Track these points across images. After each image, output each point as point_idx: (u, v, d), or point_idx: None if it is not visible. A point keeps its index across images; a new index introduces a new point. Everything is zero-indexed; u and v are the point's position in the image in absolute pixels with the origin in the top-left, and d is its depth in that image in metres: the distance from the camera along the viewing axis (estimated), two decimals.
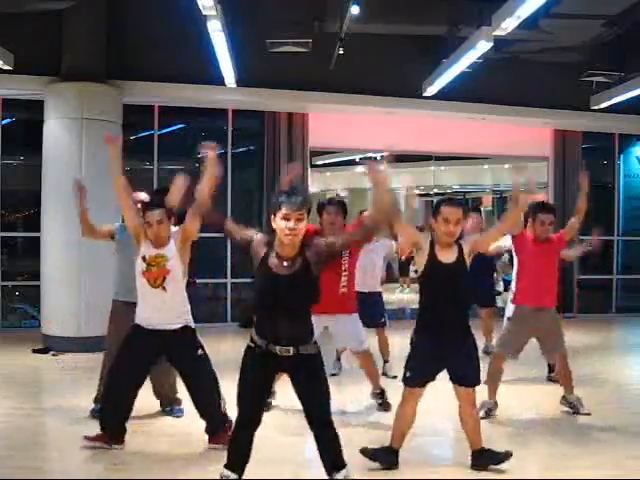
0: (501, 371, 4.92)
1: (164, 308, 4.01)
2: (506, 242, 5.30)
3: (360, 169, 15.87)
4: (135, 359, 4.02)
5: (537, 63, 9.26)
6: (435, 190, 15.20)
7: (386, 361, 6.26)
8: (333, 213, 4.82)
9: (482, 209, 7.01)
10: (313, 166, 11.41)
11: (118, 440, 4.07)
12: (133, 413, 4.54)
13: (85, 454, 4.04)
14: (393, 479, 3.76)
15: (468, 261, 3.75)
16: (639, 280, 11.09)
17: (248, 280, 9.62)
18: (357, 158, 14.96)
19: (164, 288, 4.00)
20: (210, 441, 4.14)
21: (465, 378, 3.73)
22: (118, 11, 8.20)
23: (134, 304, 4.20)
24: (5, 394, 5.58)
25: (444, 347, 3.67)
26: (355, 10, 6.99)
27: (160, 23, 8.26)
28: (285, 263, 3.09)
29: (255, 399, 3.22)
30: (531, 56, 9.04)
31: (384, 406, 5.03)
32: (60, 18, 7.79)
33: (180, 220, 4.41)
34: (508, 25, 5.82)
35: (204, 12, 5.73)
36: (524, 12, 5.56)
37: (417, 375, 3.74)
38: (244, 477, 3.17)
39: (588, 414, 4.87)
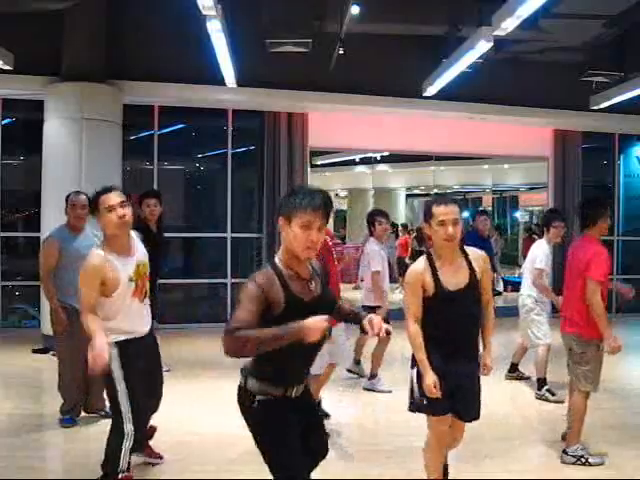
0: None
1: (145, 314, 3.69)
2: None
3: (360, 169, 15.92)
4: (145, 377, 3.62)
5: (537, 63, 9.26)
6: (435, 190, 15.22)
7: (374, 375, 5.93)
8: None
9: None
10: (313, 166, 11.42)
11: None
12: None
13: (85, 454, 4.04)
14: (393, 479, 3.77)
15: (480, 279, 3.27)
16: (639, 280, 11.08)
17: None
18: (357, 158, 15.01)
19: (146, 293, 3.66)
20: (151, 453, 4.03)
21: (468, 412, 3.35)
22: (118, 11, 8.20)
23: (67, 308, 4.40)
24: (5, 394, 5.58)
25: (450, 375, 3.21)
26: (355, 10, 7.00)
27: (160, 23, 8.26)
28: (310, 285, 2.49)
29: (301, 456, 2.59)
30: (531, 56, 9.04)
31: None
32: (60, 18, 7.79)
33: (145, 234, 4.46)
34: (508, 25, 5.82)
35: (204, 12, 5.73)
36: (524, 12, 5.55)
37: (432, 401, 3.21)
38: (244, 477, 3.17)
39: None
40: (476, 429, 3.63)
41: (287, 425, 2.54)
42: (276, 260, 2.49)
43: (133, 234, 3.63)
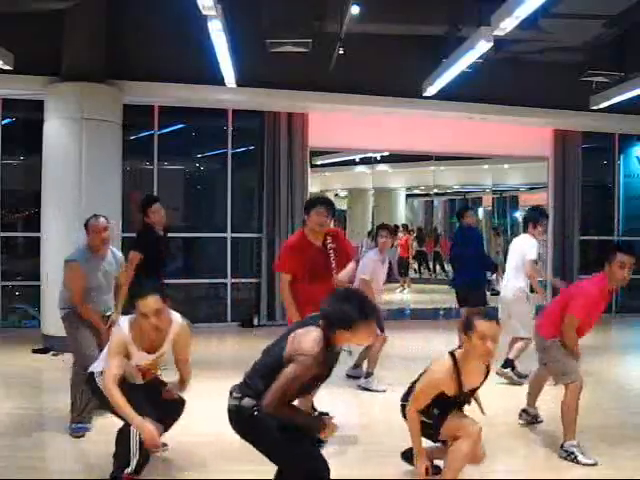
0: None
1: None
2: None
3: (360, 169, 15.91)
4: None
5: (537, 63, 9.26)
6: (435, 190, 15.22)
7: (370, 373, 5.94)
8: (323, 215, 4.50)
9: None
10: (313, 166, 11.41)
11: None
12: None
13: (85, 454, 4.04)
14: (393, 479, 3.77)
15: None
16: (639, 280, 11.08)
17: (248, 280, 9.67)
18: (357, 158, 15.00)
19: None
20: None
21: None
22: (118, 11, 8.20)
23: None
24: (5, 394, 5.59)
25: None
26: (355, 10, 7.00)
27: (160, 23, 8.26)
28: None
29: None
30: (531, 56, 9.04)
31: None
32: (60, 18, 7.79)
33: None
34: (507, 25, 5.82)
35: (204, 12, 5.73)
36: (523, 12, 5.55)
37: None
38: (240, 477, 3.17)
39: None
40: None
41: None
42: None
43: (172, 326, 3.66)
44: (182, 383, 3.88)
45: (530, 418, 4.75)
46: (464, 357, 3.31)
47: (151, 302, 3.43)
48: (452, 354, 3.36)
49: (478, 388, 3.51)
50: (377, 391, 5.78)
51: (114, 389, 3.35)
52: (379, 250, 6.22)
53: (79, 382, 4.34)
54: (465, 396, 3.43)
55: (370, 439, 4.50)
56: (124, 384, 3.48)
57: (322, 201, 4.61)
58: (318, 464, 2.87)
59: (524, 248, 6.08)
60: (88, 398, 4.32)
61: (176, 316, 3.72)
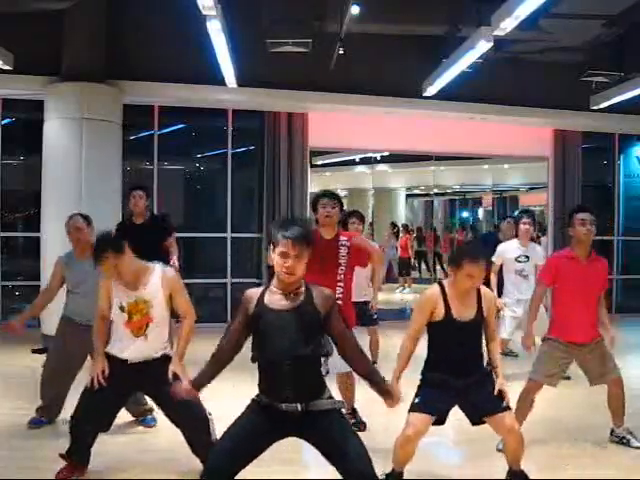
0: None
1: (144, 350, 3.71)
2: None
3: (360, 169, 15.92)
4: (113, 391, 3.66)
5: (537, 63, 9.26)
6: (435, 190, 15.22)
7: (374, 362, 6.16)
8: (329, 206, 4.45)
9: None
10: (313, 166, 11.41)
11: (82, 470, 3.79)
12: (130, 417, 4.60)
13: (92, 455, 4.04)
14: None
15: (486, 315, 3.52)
16: (639, 280, 11.09)
17: (248, 280, 9.66)
18: (357, 158, 15.00)
19: (146, 336, 3.68)
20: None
21: (487, 408, 3.46)
22: (118, 11, 8.20)
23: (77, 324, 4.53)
24: (5, 394, 5.58)
25: (456, 381, 3.43)
26: (355, 10, 6.99)
27: (160, 23, 8.27)
28: (286, 297, 2.73)
29: (236, 451, 2.76)
30: (531, 56, 9.04)
31: (359, 426, 4.62)
32: (60, 18, 7.80)
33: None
34: (507, 25, 5.82)
35: (204, 12, 5.73)
36: (523, 12, 5.56)
37: (427, 401, 3.46)
38: (242, 477, 3.17)
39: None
40: (476, 429, 3.62)
41: (247, 417, 2.81)
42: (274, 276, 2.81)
43: (155, 271, 3.72)
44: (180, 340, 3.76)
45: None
46: (450, 285, 3.50)
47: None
48: (440, 282, 3.56)
49: (472, 323, 3.47)
50: None
51: (98, 322, 3.74)
52: None
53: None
54: (457, 328, 3.44)
55: (369, 439, 4.49)
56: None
57: (324, 193, 4.59)
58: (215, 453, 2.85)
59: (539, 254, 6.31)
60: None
61: (158, 265, 3.79)
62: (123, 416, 4.31)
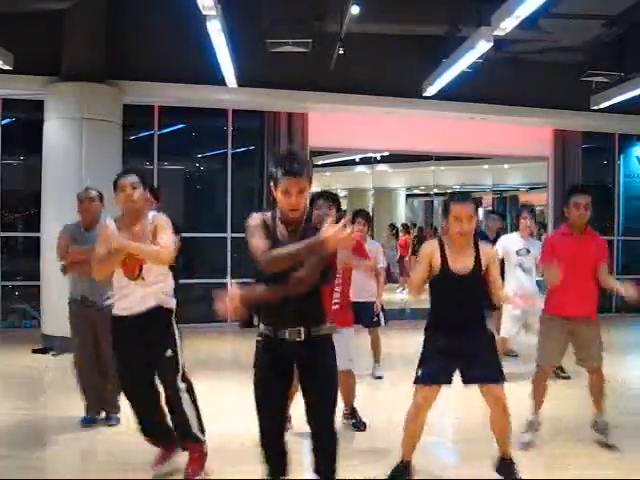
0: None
1: (146, 295, 3.64)
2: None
3: (360, 169, 15.93)
4: (131, 356, 3.61)
5: (537, 63, 9.26)
6: (435, 190, 15.22)
7: (376, 361, 6.34)
8: (325, 207, 4.29)
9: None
10: (313, 166, 11.40)
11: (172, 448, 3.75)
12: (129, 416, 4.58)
13: (84, 454, 4.05)
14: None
15: (484, 271, 3.52)
16: (639, 280, 11.07)
17: (248, 280, 9.62)
18: (357, 158, 15.00)
19: (143, 278, 3.62)
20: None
21: (482, 375, 3.47)
22: (118, 11, 8.20)
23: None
24: (5, 394, 5.58)
25: (456, 345, 3.44)
26: (355, 10, 7.00)
27: (160, 23, 8.27)
28: (290, 228, 2.81)
29: (274, 404, 2.90)
30: (531, 56, 9.04)
31: (359, 426, 4.65)
32: (60, 18, 7.80)
33: None
34: (507, 25, 5.82)
35: (204, 12, 5.74)
36: (523, 12, 5.56)
37: (430, 372, 3.50)
38: (240, 477, 3.16)
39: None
40: (476, 429, 3.62)
41: (269, 370, 2.86)
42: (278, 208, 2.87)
43: (149, 215, 3.71)
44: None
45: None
46: (449, 240, 3.55)
47: (129, 179, 3.65)
48: (439, 237, 3.66)
49: (470, 276, 3.48)
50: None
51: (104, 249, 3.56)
52: None
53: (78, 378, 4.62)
54: (454, 281, 3.48)
55: (369, 439, 4.50)
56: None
57: (319, 194, 4.47)
58: (261, 412, 2.89)
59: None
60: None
61: (153, 211, 3.82)
62: (126, 416, 4.31)
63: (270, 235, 2.79)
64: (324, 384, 2.89)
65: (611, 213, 11.14)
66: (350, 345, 4.58)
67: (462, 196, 3.55)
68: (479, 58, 7.31)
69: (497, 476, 3.72)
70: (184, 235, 9.97)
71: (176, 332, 3.69)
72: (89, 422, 4.58)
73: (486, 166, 14.72)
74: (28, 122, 9.12)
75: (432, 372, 3.49)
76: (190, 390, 3.70)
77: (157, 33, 8.34)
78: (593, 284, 4.33)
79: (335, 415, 2.92)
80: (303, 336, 2.79)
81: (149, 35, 8.33)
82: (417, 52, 8.91)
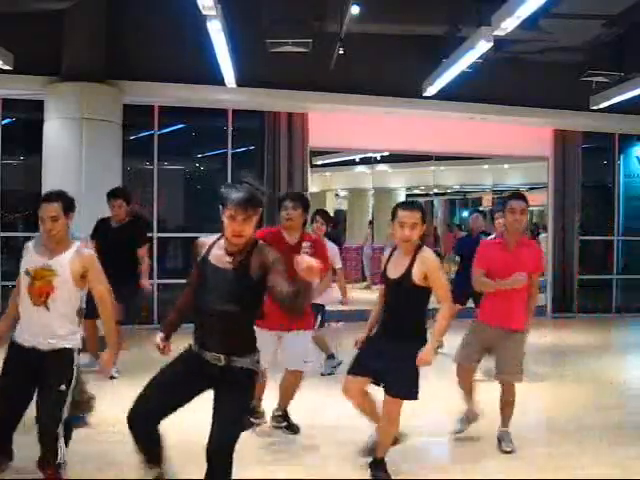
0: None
1: (46, 324, 3.50)
2: None
3: (360, 169, 15.94)
4: (13, 381, 3.52)
5: (537, 63, 9.26)
6: (435, 190, 15.22)
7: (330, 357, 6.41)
8: (290, 208, 4.32)
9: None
10: (313, 166, 11.41)
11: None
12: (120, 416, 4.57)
13: (82, 454, 4.04)
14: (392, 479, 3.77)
15: (418, 279, 3.51)
16: (639, 280, 11.09)
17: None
18: (357, 158, 15.00)
19: (47, 307, 3.49)
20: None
21: (389, 384, 3.55)
22: (118, 11, 8.20)
23: None
24: None
25: (382, 346, 3.62)
26: (355, 10, 6.99)
27: (160, 23, 8.26)
28: (228, 258, 2.85)
29: (162, 394, 2.92)
30: (531, 56, 9.04)
31: (291, 429, 4.50)
32: (60, 18, 7.80)
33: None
34: (508, 25, 5.82)
35: (204, 12, 5.73)
36: (524, 12, 5.55)
37: (355, 363, 3.76)
38: (239, 477, 3.16)
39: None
40: (476, 429, 3.62)
41: (174, 367, 2.92)
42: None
43: (72, 246, 3.62)
44: (109, 343, 3.52)
45: None
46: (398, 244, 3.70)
47: (50, 208, 3.66)
48: (394, 246, 3.78)
49: (399, 282, 3.59)
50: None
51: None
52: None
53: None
54: (388, 285, 3.69)
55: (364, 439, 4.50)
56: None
57: (285, 196, 4.51)
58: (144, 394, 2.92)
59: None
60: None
61: (79, 242, 3.72)
62: (120, 415, 4.28)
63: (200, 262, 2.93)
64: (229, 412, 2.84)
65: (611, 213, 11.14)
66: (308, 347, 4.55)
67: (409, 204, 3.66)
68: (479, 58, 7.31)
69: (494, 476, 3.73)
70: (184, 235, 9.97)
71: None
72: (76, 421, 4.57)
73: (486, 166, 14.73)
74: (28, 122, 9.11)
75: (356, 363, 3.74)
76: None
77: (157, 33, 8.34)
78: (524, 296, 4.26)
79: (230, 444, 2.86)
80: (223, 362, 2.83)
81: (149, 35, 8.33)
82: (417, 52, 8.91)
